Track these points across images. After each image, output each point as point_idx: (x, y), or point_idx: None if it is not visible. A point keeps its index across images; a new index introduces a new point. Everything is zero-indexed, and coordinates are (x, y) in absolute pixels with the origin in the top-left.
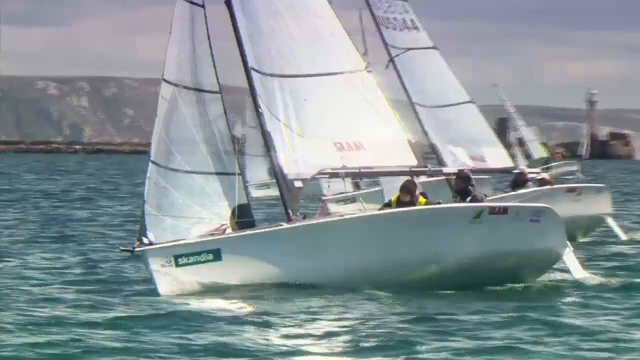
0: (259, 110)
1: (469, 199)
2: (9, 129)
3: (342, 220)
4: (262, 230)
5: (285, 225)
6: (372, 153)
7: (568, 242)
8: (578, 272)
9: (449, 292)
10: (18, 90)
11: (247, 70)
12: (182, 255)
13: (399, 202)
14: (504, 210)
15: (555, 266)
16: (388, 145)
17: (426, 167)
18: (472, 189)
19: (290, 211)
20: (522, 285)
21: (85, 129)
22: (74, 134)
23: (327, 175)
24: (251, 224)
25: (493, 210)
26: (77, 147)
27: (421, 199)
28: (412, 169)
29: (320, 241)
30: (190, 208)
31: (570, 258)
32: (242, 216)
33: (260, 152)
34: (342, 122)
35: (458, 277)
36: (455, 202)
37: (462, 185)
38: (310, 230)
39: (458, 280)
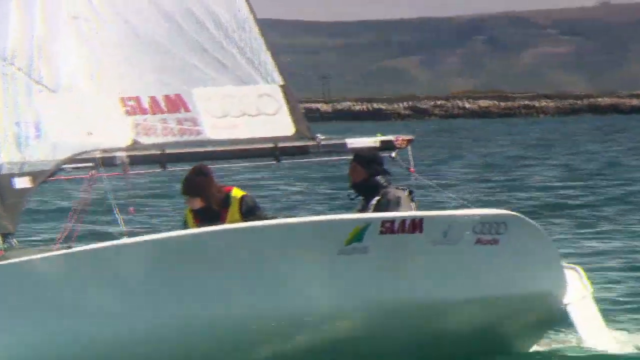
0: None
1: (374, 201)
2: None
3: (53, 258)
4: None
5: None
6: (207, 117)
7: (580, 278)
8: (594, 333)
9: None
10: None
11: None
12: None
13: (194, 215)
14: (416, 225)
15: None
16: (244, 103)
17: (313, 139)
18: (382, 181)
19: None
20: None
21: None
22: None
23: (91, 165)
24: None
25: (389, 227)
26: None
27: (235, 196)
28: (279, 145)
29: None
30: None
31: (580, 309)
32: None
33: None
34: (144, 62)
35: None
36: (355, 211)
37: (362, 174)
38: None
39: None
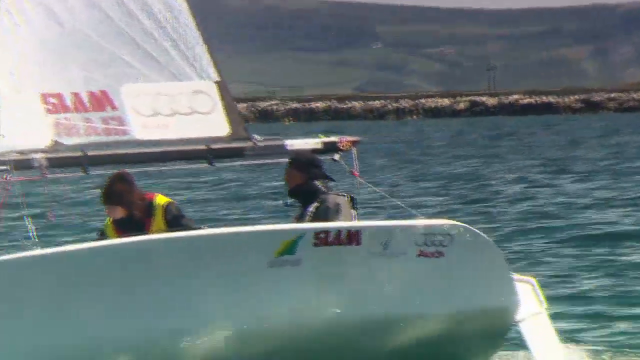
0: None
1: (311, 208)
2: None
3: None
4: None
5: None
6: (135, 116)
7: (534, 292)
8: (548, 352)
9: None
10: None
11: None
12: None
13: (116, 225)
14: (353, 236)
15: None
16: (176, 101)
17: (249, 139)
18: (320, 186)
19: None
20: None
21: None
22: None
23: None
24: None
25: (324, 238)
26: None
27: (158, 204)
28: (213, 147)
29: None
30: None
31: (533, 326)
32: None
33: None
34: (69, 56)
35: None
36: (292, 218)
37: (299, 179)
38: None
39: None
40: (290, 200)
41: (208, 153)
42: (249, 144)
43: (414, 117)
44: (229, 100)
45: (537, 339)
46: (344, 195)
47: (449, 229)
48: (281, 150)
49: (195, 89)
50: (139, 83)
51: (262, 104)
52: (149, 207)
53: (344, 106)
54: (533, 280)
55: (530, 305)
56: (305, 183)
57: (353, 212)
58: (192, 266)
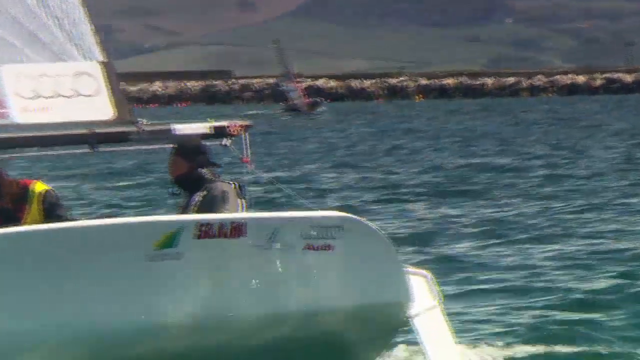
0: None
1: (197, 197)
2: None
3: None
4: None
5: None
6: (15, 98)
7: (429, 286)
8: (440, 349)
9: None
10: None
11: None
12: None
13: None
14: (237, 229)
15: None
16: (58, 83)
17: (135, 124)
18: (207, 174)
19: None
20: None
21: None
22: None
23: None
24: None
25: (207, 230)
26: None
27: (34, 191)
28: (96, 131)
29: None
30: None
31: (426, 321)
32: None
33: None
34: None
35: None
36: (178, 208)
37: (183, 167)
38: None
39: None
40: (176, 189)
41: (90, 137)
42: (134, 128)
43: (549, 94)
44: (115, 83)
45: (430, 334)
46: (230, 183)
47: (338, 221)
48: (168, 136)
49: (79, 70)
50: (20, 63)
51: (391, 81)
52: (24, 195)
53: (476, 82)
54: (427, 274)
55: (424, 299)
56: (191, 171)
57: (241, 201)
58: (66, 260)
